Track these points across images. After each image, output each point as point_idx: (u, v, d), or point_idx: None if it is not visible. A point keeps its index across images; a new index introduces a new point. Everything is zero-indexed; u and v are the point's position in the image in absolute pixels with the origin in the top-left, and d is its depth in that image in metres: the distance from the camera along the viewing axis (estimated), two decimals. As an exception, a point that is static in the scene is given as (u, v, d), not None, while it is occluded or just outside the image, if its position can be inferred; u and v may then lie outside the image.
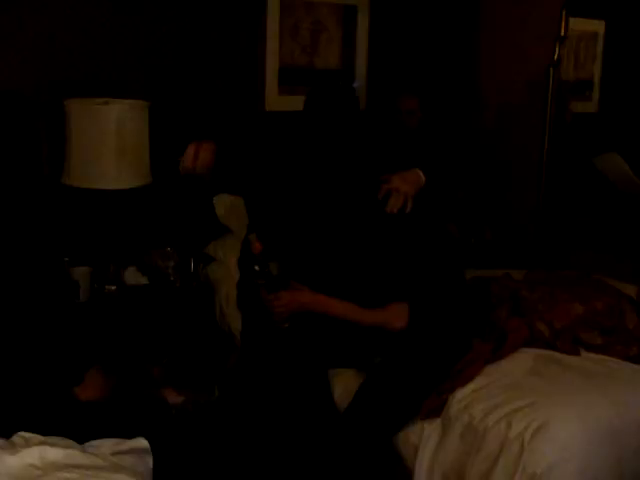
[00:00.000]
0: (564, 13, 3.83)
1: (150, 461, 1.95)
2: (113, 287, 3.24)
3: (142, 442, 1.97)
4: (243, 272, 2.88)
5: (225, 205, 3.64)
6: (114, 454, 1.91)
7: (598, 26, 4.44)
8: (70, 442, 1.91)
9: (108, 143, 3.09)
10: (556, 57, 3.89)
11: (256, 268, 2.67)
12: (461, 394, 2.48)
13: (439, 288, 2.73)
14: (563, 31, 3.85)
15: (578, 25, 4.16)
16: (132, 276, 3.32)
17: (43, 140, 3.23)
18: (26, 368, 1.96)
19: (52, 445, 1.85)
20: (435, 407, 2.49)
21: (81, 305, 3.10)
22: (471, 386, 2.50)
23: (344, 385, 2.70)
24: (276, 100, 3.93)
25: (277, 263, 2.74)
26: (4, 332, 1.93)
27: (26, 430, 1.91)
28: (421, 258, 2.71)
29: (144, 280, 3.33)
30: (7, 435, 1.90)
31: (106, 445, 1.94)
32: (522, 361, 2.64)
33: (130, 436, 1.99)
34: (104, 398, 2.05)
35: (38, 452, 1.81)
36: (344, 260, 2.73)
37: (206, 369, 2.96)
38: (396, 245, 2.69)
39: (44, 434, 1.91)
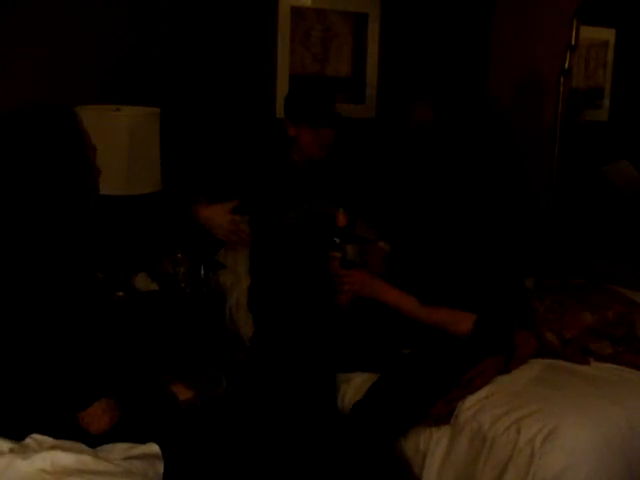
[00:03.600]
0: (575, 21, 3.83)
1: (161, 467, 1.95)
2: (122, 293, 3.25)
3: (154, 447, 1.97)
4: (315, 241, 2.95)
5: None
6: (125, 459, 1.91)
7: (609, 35, 4.44)
8: (82, 446, 1.91)
9: (119, 150, 3.09)
10: (567, 65, 3.89)
11: (336, 240, 2.74)
12: (469, 402, 2.48)
13: (506, 303, 2.76)
14: (574, 40, 3.85)
15: (589, 33, 4.16)
16: (142, 282, 3.32)
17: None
18: (39, 376, 1.96)
19: (64, 449, 1.86)
20: (444, 414, 2.49)
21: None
22: (479, 394, 2.50)
23: (355, 390, 2.71)
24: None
25: (355, 246, 2.79)
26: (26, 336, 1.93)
27: (38, 432, 1.92)
28: (495, 270, 2.76)
29: (154, 286, 3.33)
30: (19, 437, 1.91)
31: (117, 450, 1.94)
32: (531, 370, 2.64)
33: (143, 438, 2.00)
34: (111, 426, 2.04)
35: (49, 457, 1.82)
36: (425, 259, 2.80)
37: (213, 362, 2.98)
38: (470, 252, 2.76)
39: (56, 437, 1.92)
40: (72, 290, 1.96)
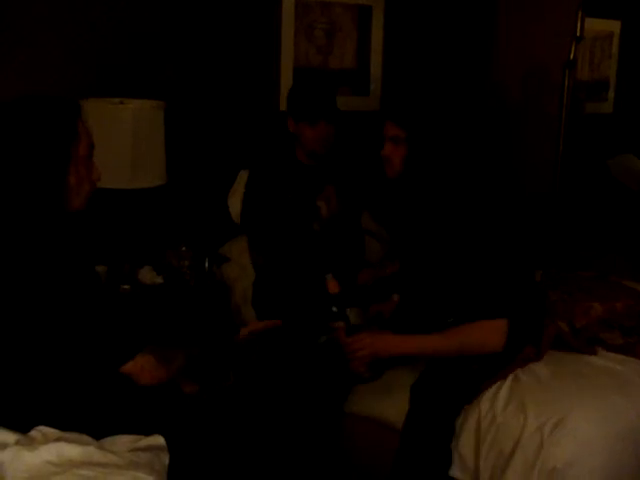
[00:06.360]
0: (580, 13, 3.82)
1: (166, 459, 1.95)
2: (128, 286, 3.25)
3: (159, 439, 1.97)
4: (313, 315, 2.72)
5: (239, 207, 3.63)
6: (130, 451, 1.91)
7: (614, 26, 4.43)
8: (87, 438, 1.91)
9: (124, 143, 3.09)
10: (572, 57, 3.88)
11: (334, 309, 2.47)
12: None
13: (527, 298, 2.56)
14: (579, 31, 3.84)
15: (594, 25, 4.16)
16: (147, 275, 3.32)
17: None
18: (42, 368, 1.96)
19: (69, 441, 1.86)
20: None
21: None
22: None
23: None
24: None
25: (357, 309, 2.58)
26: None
27: (44, 424, 1.92)
28: (508, 267, 2.49)
29: (159, 279, 3.34)
30: (25, 429, 1.91)
31: (123, 441, 1.94)
32: (542, 360, 2.61)
33: (148, 430, 2.00)
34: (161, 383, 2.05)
35: (55, 449, 1.82)
36: (440, 269, 2.57)
37: (220, 356, 2.97)
38: (482, 251, 2.49)
39: (62, 429, 1.92)
40: (66, 284, 1.95)
